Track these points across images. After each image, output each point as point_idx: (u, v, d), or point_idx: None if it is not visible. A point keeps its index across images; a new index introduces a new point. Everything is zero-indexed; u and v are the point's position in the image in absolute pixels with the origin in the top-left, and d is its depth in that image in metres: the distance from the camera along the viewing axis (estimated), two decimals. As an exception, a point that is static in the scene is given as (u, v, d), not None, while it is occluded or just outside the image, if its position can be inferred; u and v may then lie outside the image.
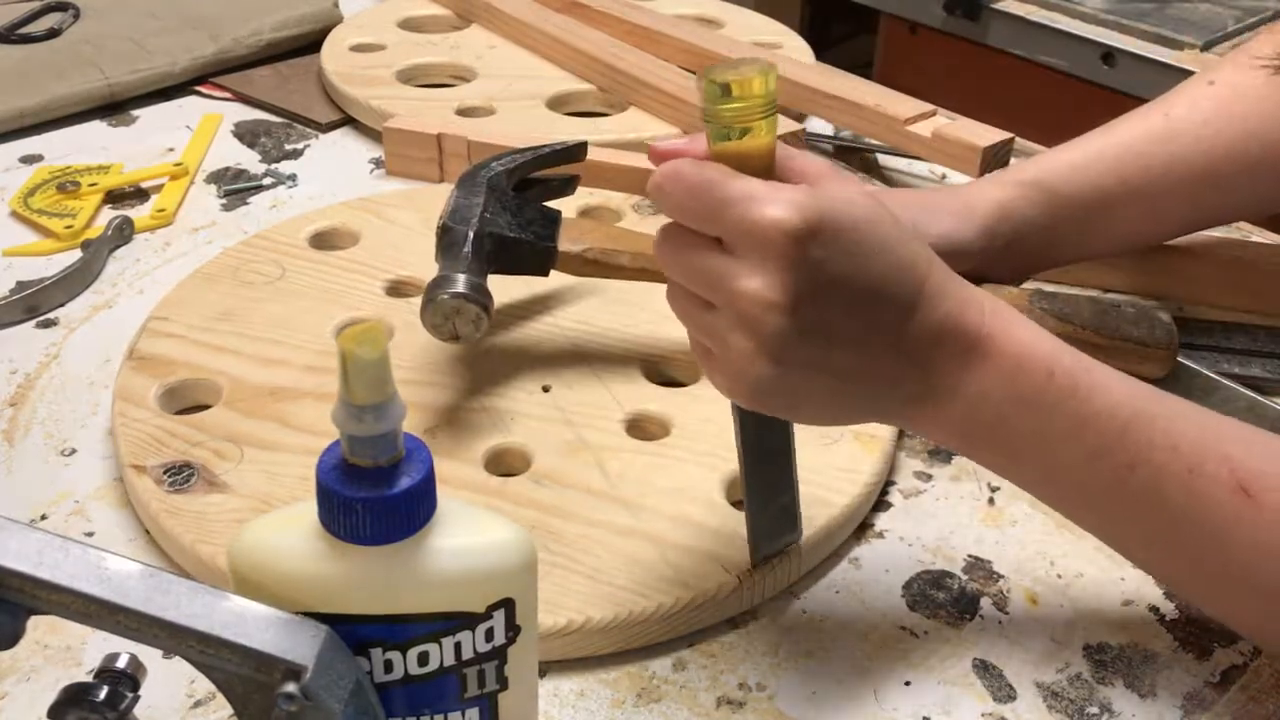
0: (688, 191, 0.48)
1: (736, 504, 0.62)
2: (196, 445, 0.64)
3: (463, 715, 0.43)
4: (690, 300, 0.50)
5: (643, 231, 0.71)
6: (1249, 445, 0.51)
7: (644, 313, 0.75)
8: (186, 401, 0.69)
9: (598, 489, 0.62)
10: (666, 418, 0.68)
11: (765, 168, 0.49)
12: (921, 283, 0.49)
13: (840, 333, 0.48)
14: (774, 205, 0.47)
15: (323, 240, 0.83)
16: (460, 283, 0.63)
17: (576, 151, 0.76)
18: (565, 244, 0.68)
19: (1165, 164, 0.71)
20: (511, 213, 0.68)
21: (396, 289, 0.78)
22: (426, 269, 0.78)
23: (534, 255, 0.68)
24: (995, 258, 0.68)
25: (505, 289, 0.78)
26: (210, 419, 0.66)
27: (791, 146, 0.52)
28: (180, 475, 0.62)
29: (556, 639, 0.55)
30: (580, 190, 0.88)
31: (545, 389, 0.69)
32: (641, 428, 0.68)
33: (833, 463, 0.64)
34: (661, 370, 0.72)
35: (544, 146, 0.74)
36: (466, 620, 0.41)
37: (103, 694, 0.41)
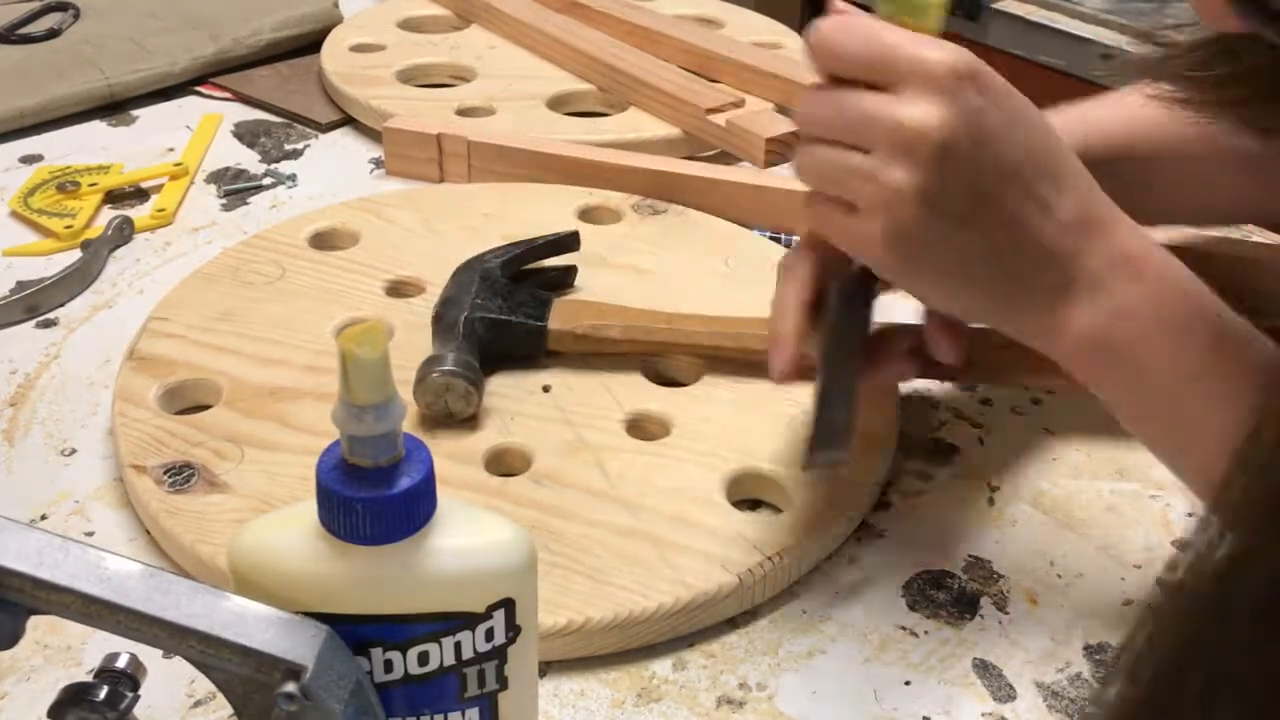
0: (860, 37, 0.50)
1: (737, 504, 0.62)
2: (197, 445, 0.64)
3: (463, 715, 0.43)
4: (835, 153, 0.50)
5: (634, 307, 0.72)
6: None
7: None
8: (187, 402, 0.69)
9: (598, 489, 0.62)
10: (667, 417, 0.68)
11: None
12: (1065, 162, 0.50)
13: (992, 192, 0.49)
14: (940, 48, 0.49)
15: (323, 240, 0.83)
16: (449, 360, 0.65)
17: (569, 242, 0.78)
18: (556, 323, 0.70)
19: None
20: (503, 297, 0.70)
21: (396, 289, 0.78)
22: (426, 269, 0.79)
23: (525, 335, 0.70)
24: None
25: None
26: (210, 419, 0.66)
27: None
28: (180, 475, 0.62)
29: (557, 639, 0.55)
30: (580, 190, 0.89)
31: (545, 389, 0.69)
32: (642, 428, 0.68)
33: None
34: (661, 370, 0.72)
35: (536, 239, 0.76)
36: (466, 620, 0.41)
37: (103, 694, 0.41)
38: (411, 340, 0.72)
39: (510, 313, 0.70)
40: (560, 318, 0.70)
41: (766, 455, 0.64)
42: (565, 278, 0.78)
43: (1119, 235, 0.50)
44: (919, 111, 0.48)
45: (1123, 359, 0.50)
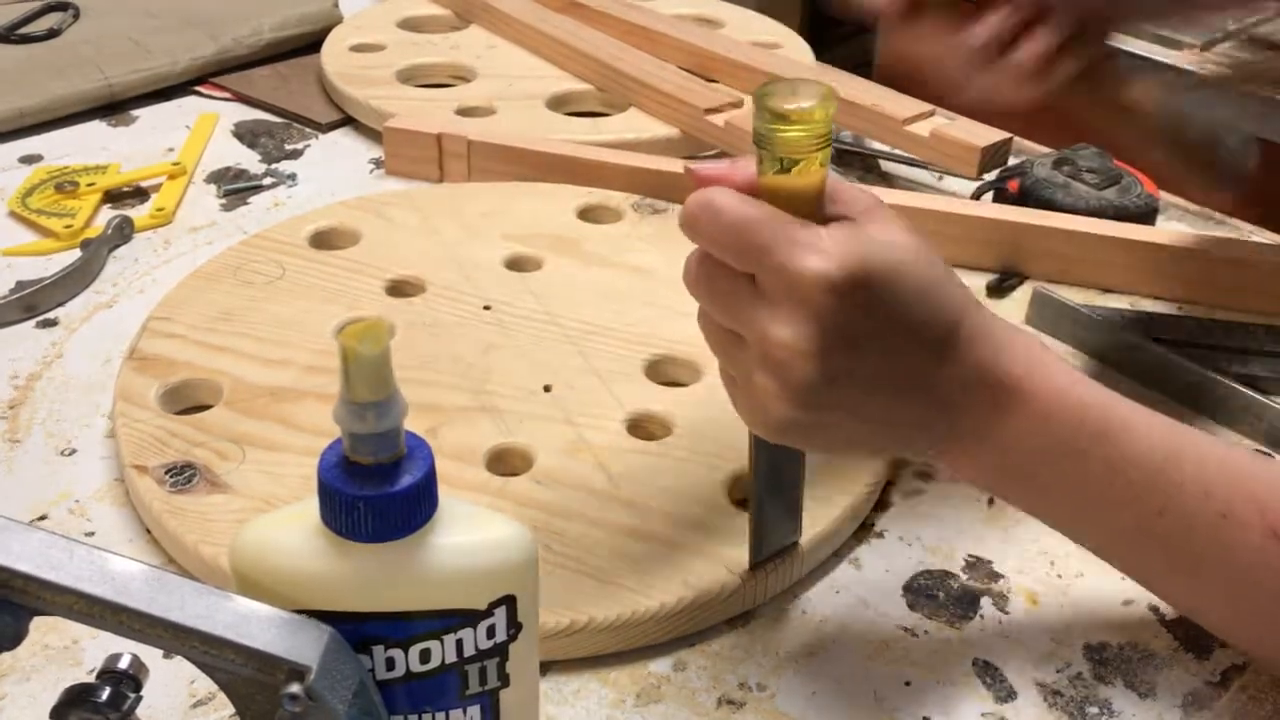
0: (724, 228, 0.46)
1: (738, 503, 0.62)
2: (198, 445, 0.64)
3: (464, 712, 0.43)
4: (719, 329, 0.49)
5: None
6: (1276, 486, 0.51)
7: (646, 311, 0.76)
8: (188, 402, 0.69)
9: (600, 489, 0.62)
10: (668, 417, 0.68)
11: (814, 201, 0.47)
12: (955, 328, 0.48)
13: (869, 380, 0.48)
14: (814, 255, 0.45)
15: (323, 240, 0.84)
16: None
17: None
18: None
19: None
20: None
21: (396, 289, 0.78)
22: (426, 269, 0.79)
23: None
24: None
25: (505, 287, 0.78)
26: (211, 419, 0.66)
27: (840, 176, 0.50)
28: (182, 476, 0.62)
29: (560, 639, 0.55)
30: (580, 190, 0.89)
31: (546, 389, 0.69)
32: (643, 427, 0.68)
33: (834, 462, 0.64)
34: (663, 370, 0.72)
35: None
36: (468, 617, 0.41)
37: (105, 695, 0.41)
38: (412, 340, 0.72)
39: None
40: None
41: (767, 455, 0.64)
42: None
43: (1000, 372, 0.49)
44: (789, 334, 0.45)
45: (1023, 480, 0.52)
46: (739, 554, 0.58)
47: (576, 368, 0.71)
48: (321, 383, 0.69)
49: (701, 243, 0.48)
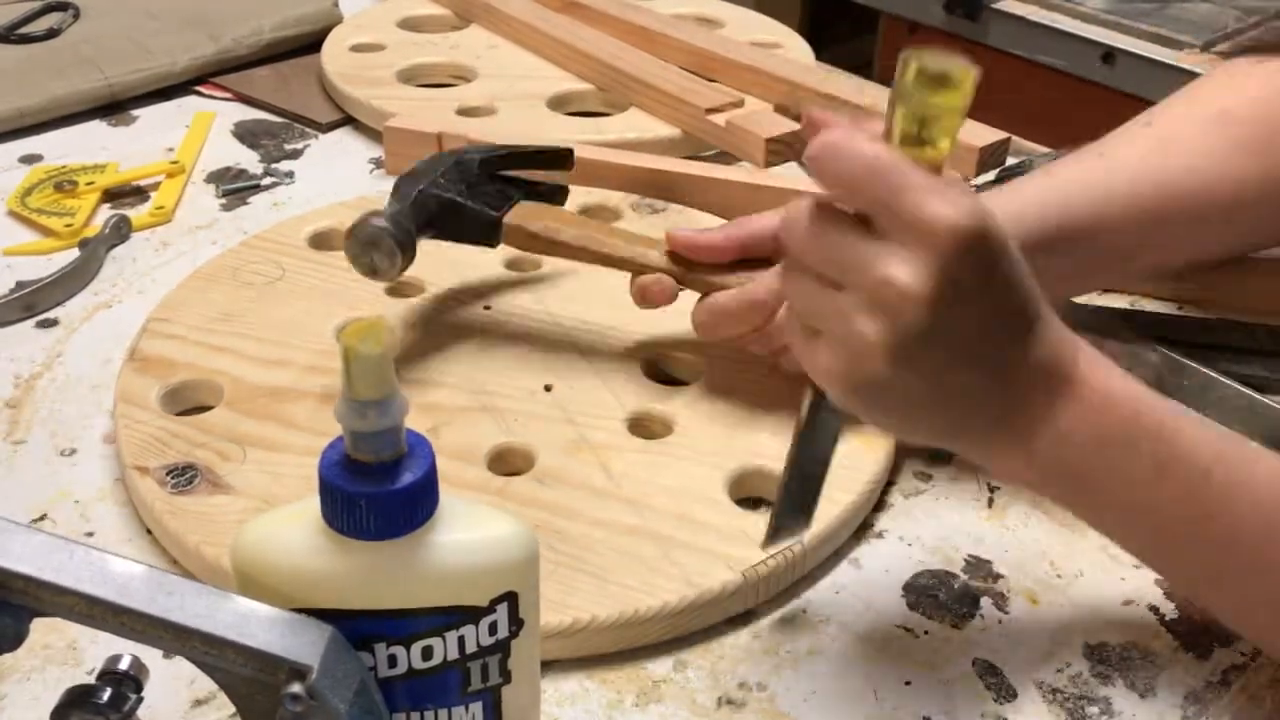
0: (863, 165, 0.46)
1: (740, 502, 0.62)
2: (199, 446, 0.64)
3: (466, 709, 0.43)
4: (811, 278, 0.49)
5: (592, 221, 0.71)
6: None
7: (646, 311, 0.75)
8: (188, 402, 0.69)
9: (601, 488, 0.62)
10: (669, 416, 0.68)
11: (936, 173, 0.47)
12: (1039, 309, 0.49)
13: (964, 345, 0.48)
14: (949, 203, 0.45)
15: (323, 240, 0.83)
16: (383, 218, 0.65)
17: (563, 157, 0.75)
18: (513, 219, 0.68)
19: (1103, 201, 0.68)
20: (468, 184, 0.69)
21: (397, 289, 0.78)
22: (426, 269, 0.79)
23: (477, 223, 0.68)
24: None
25: (505, 287, 0.78)
26: (212, 420, 0.66)
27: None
28: (183, 476, 0.62)
29: (562, 638, 0.55)
30: (579, 190, 0.89)
31: (547, 388, 0.69)
32: (644, 426, 0.68)
33: (835, 461, 0.64)
34: (663, 368, 0.72)
35: (527, 146, 0.74)
36: (470, 614, 0.41)
37: (106, 695, 0.41)
38: (413, 340, 0.72)
39: (467, 198, 0.68)
40: (519, 215, 0.69)
41: (769, 454, 0.64)
42: (554, 195, 0.74)
43: (1064, 361, 0.50)
44: (907, 274, 0.45)
45: (1074, 474, 0.51)
46: (740, 553, 0.58)
47: (577, 367, 0.71)
48: (322, 383, 0.69)
49: (829, 177, 0.47)
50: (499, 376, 0.70)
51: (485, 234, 0.69)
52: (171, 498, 0.61)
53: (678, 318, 0.70)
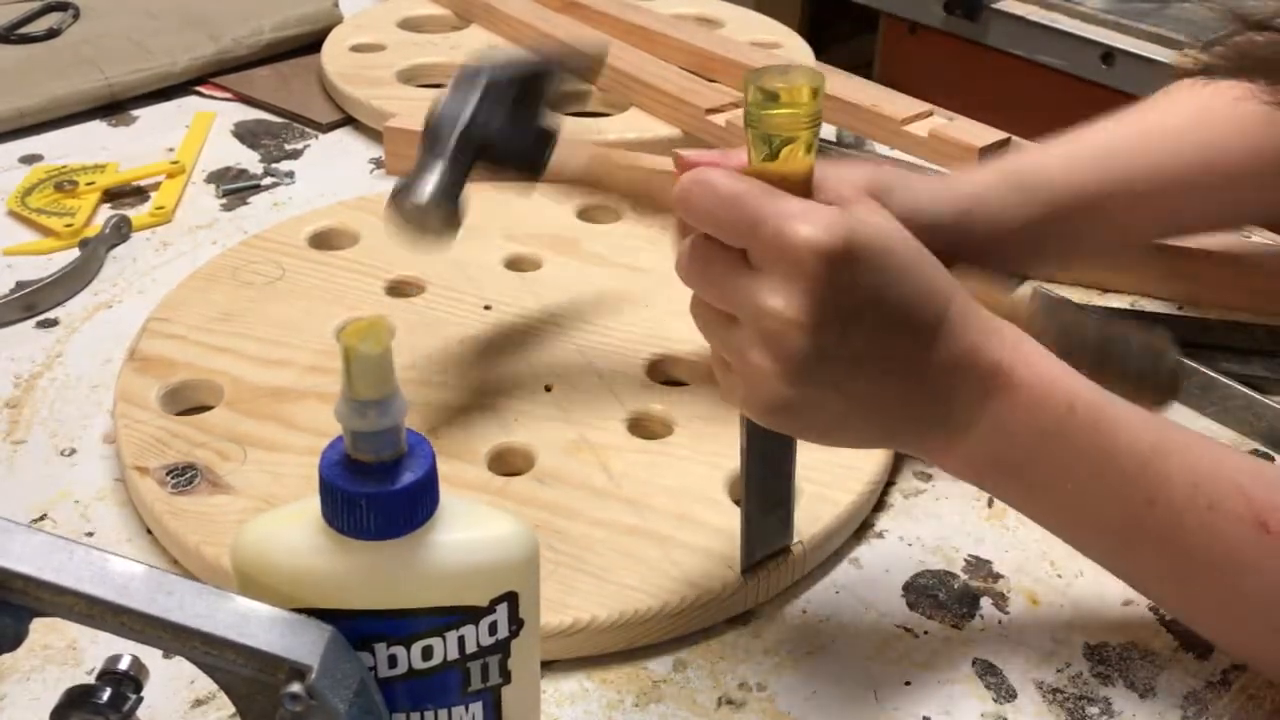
0: (719, 203, 0.47)
1: (739, 502, 0.62)
2: (199, 446, 0.64)
3: (466, 710, 0.43)
4: (712, 313, 0.50)
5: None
6: (1259, 477, 0.51)
7: (646, 310, 0.76)
8: (188, 402, 0.69)
9: (601, 488, 0.62)
10: (669, 416, 0.68)
11: (801, 189, 0.48)
12: (944, 310, 0.49)
13: (861, 357, 0.48)
14: (807, 224, 0.46)
15: (323, 240, 0.84)
16: (430, 186, 0.62)
17: (591, 64, 0.71)
18: (561, 155, 0.66)
19: (1147, 168, 0.69)
20: (507, 116, 0.64)
21: (396, 289, 0.78)
22: (426, 269, 0.79)
23: (525, 161, 0.65)
24: (974, 244, 0.66)
25: (505, 287, 0.78)
26: (212, 420, 0.66)
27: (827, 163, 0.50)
28: (184, 476, 0.62)
29: (562, 638, 0.55)
30: (580, 190, 0.89)
31: (547, 388, 0.70)
32: (644, 426, 0.68)
33: (834, 461, 0.64)
34: (663, 369, 0.72)
35: (553, 55, 0.69)
36: (470, 614, 0.41)
37: (106, 696, 0.41)
38: (413, 340, 0.72)
39: (511, 137, 0.64)
40: (566, 150, 0.66)
41: (767, 455, 0.64)
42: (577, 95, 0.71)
43: (989, 356, 0.50)
44: (781, 302, 0.46)
45: (1011, 468, 0.52)
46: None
47: (577, 367, 0.71)
48: (322, 383, 0.69)
49: (694, 218, 0.49)
50: (498, 376, 0.70)
51: (531, 169, 0.66)
52: (171, 498, 0.61)
53: (677, 318, 0.70)
